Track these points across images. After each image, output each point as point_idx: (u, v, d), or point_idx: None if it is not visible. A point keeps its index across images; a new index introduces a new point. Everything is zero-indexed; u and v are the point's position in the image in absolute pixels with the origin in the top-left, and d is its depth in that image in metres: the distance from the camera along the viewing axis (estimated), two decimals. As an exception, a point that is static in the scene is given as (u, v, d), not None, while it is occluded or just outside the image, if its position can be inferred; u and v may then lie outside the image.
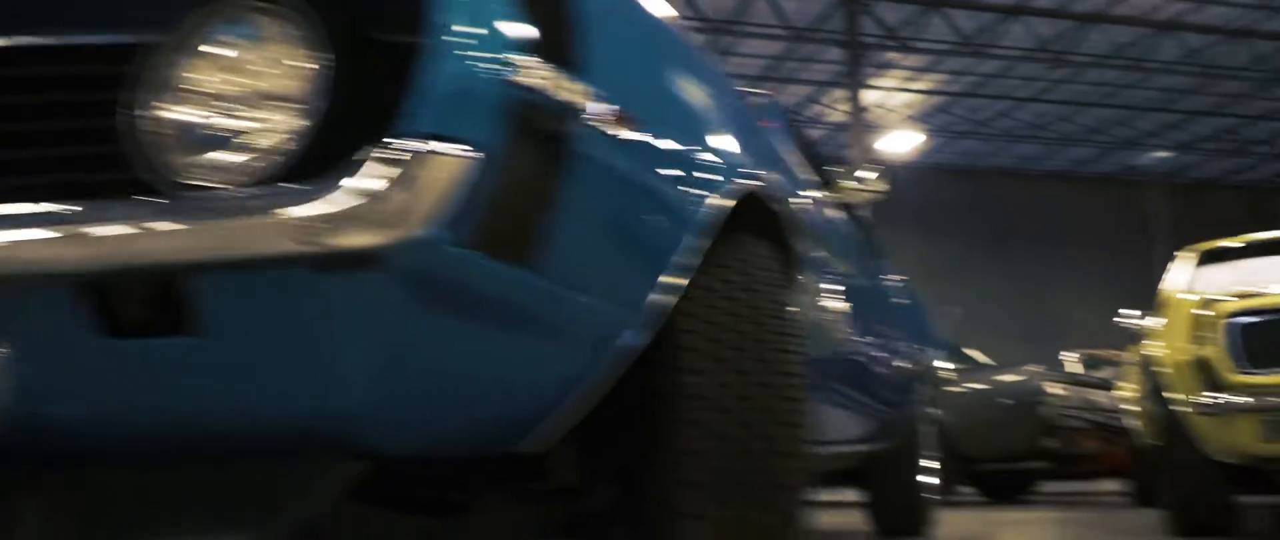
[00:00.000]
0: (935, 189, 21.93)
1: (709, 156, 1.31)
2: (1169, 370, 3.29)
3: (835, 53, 16.41)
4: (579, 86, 1.01)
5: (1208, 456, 3.16)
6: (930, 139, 20.30)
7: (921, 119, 19.68)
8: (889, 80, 18.00)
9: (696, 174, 1.26)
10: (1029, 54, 16.33)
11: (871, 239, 3.77)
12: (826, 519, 4.85)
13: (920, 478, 3.72)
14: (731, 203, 1.32)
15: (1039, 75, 17.55)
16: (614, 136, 1.07)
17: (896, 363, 3.39)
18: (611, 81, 1.08)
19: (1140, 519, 4.13)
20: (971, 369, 7.08)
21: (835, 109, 18.54)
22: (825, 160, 3.35)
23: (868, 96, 18.05)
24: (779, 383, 1.33)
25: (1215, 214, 22.13)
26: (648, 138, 1.15)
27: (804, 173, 2.50)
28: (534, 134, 0.96)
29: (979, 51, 16.21)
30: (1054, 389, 6.22)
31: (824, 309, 2.11)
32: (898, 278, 3.82)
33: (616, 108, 1.07)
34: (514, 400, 1.10)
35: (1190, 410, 3.04)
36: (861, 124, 17.41)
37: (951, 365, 7.41)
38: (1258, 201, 23.07)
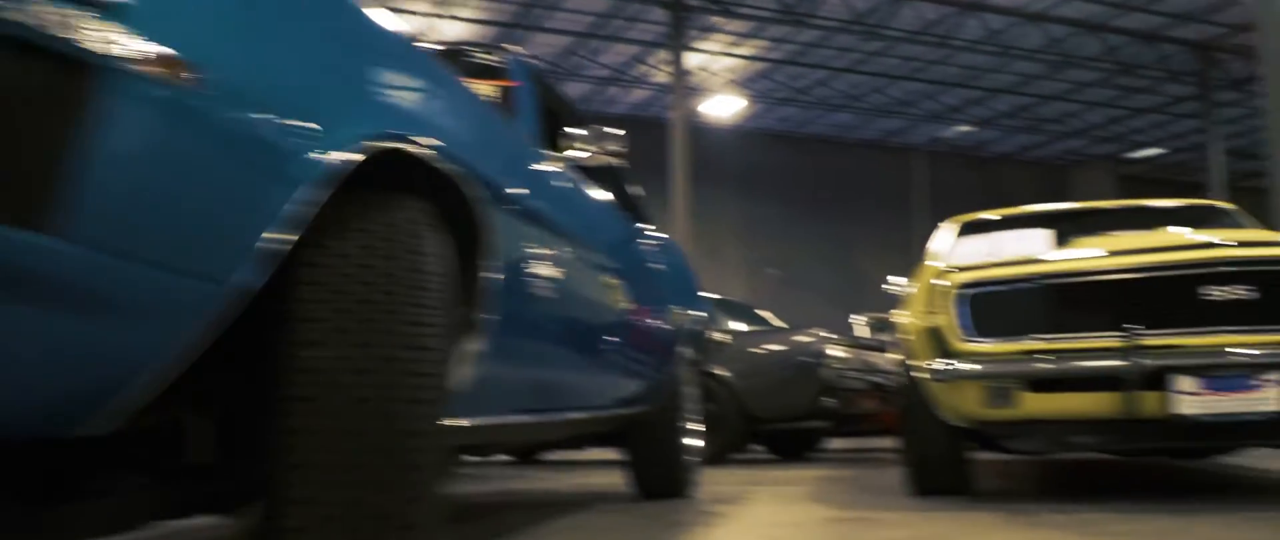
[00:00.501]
0: (756, 153, 22.49)
1: (321, 109, 1.18)
2: (910, 337, 3.42)
3: (660, 14, 16.48)
4: (110, 28, 0.88)
5: (942, 420, 3.31)
6: (752, 104, 20.74)
7: (744, 84, 20.06)
8: (713, 44, 18.22)
9: (297, 126, 1.13)
10: (845, 25, 16.85)
11: (631, 199, 3.74)
12: (591, 480, 4.87)
13: (681, 440, 3.75)
14: (355, 158, 1.22)
15: (854, 47, 18.16)
16: (166, 85, 0.94)
17: (653, 325, 3.39)
18: (174, 27, 0.96)
19: (895, 477, 4.31)
20: (762, 331, 7.26)
21: (660, 70, 18.63)
22: (586, 120, 3.29)
23: (691, 59, 18.21)
24: (407, 357, 1.24)
25: (1012, 187, 23.64)
26: (224, 87, 1.02)
27: (525, 132, 2.42)
28: (41, 80, 0.83)
29: (799, 21, 16.59)
30: (835, 352, 6.45)
31: (543, 273, 2.05)
32: (658, 237, 3.81)
33: (169, 52, 0.94)
34: (61, 379, 0.97)
35: (926, 376, 3.16)
36: (685, 86, 17.57)
37: (744, 327, 7.60)
38: (1049, 176, 24.78)
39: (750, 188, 22.21)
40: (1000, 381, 3.01)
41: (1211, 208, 4.69)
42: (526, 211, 1.98)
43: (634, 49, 18.39)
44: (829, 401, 6.35)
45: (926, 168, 23.47)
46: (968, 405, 3.11)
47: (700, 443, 4.06)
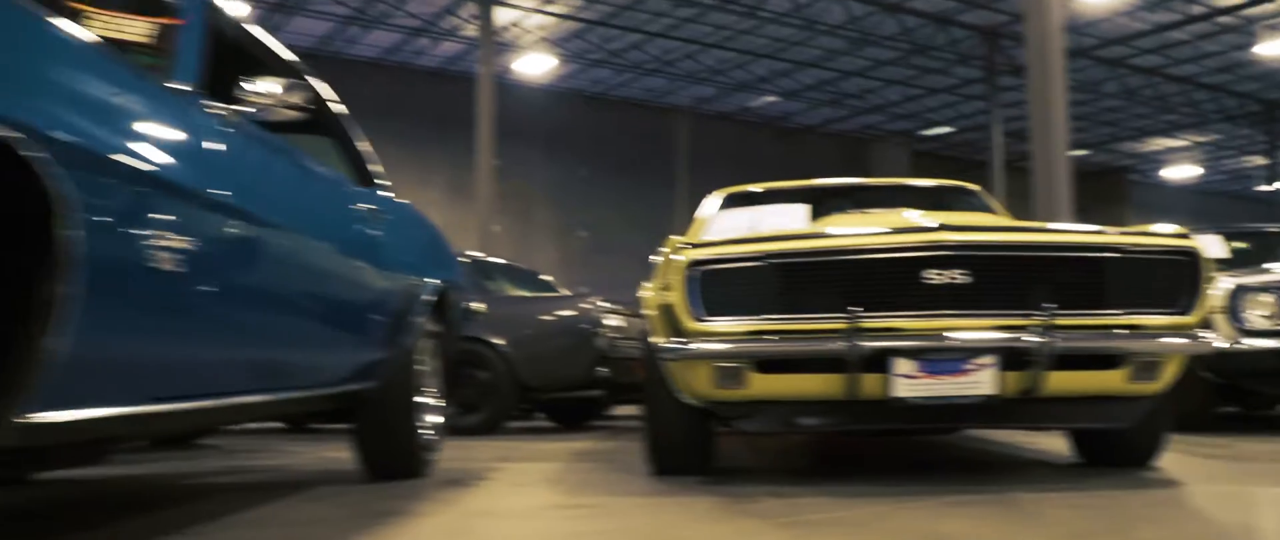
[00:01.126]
0: (570, 115, 22.26)
1: None
2: (651, 312, 3.30)
3: (468, -36, 15.95)
4: None
5: (679, 399, 3.21)
6: (564, 64, 20.47)
7: (556, 43, 19.74)
8: (524, 0, 17.80)
9: None
10: (656, -11, 16.82)
11: (355, 157, 3.45)
12: (319, 455, 4.58)
13: (414, 418, 3.51)
14: None
15: (667, 11, 18.15)
16: None
17: (367, 295, 3.13)
18: None
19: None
20: (540, 299, 7.09)
21: (470, 23, 18.07)
22: (294, 66, 2.97)
23: (502, 15, 17.75)
24: None
25: (816, 158, 24.42)
26: None
27: (183, 77, 2.10)
28: None
29: (610, -19, 16.43)
30: (612, 320, 6.34)
31: (171, 242, 1.76)
32: (388, 199, 3.53)
33: None
34: None
35: (663, 354, 3.05)
36: (493, 41, 17.10)
37: (527, 294, 7.40)
38: (850, 149, 25.74)
39: (563, 150, 21.99)
40: (728, 362, 2.92)
41: (959, 189, 4.82)
42: (141, 173, 1.68)
43: (445, 0, 17.75)
44: (603, 371, 6.24)
45: (735, 136, 23.89)
46: (700, 385, 3.02)
47: (439, 419, 3.83)
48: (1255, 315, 4.63)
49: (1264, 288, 4.65)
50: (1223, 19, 17.68)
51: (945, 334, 2.81)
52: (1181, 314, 2.86)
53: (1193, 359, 4.78)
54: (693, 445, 3.41)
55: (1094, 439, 3.49)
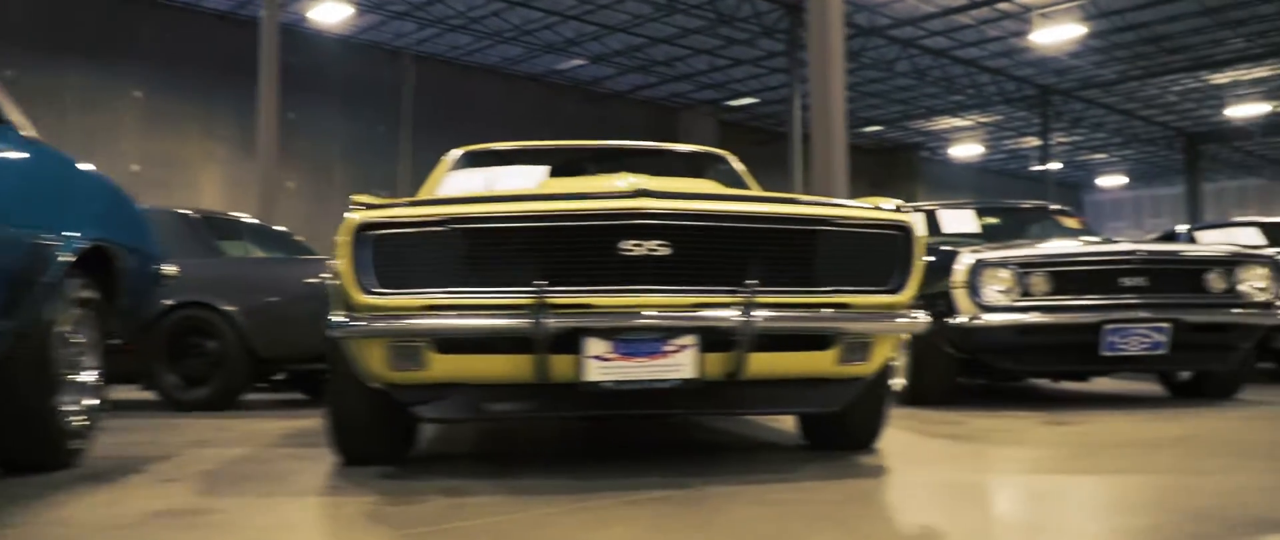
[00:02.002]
0: (369, 69, 21.15)
1: None
2: (332, 282, 2.88)
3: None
4: None
5: (360, 380, 2.82)
6: (362, 15, 19.40)
7: (352, -10, 18.66)
8: (314, -59, 16.68)
9: None
10: (457, -60, 16.08)
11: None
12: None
13: (53, 398, 2.97)
14: None
15: (468, -36, 17.44)
16: None
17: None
18: None
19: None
20: (277, 261, 6.50)
21: (253, -37, 16.80)
22: None
23: (289, -45, 16.59)
24: None
25: (626, 124, 24.28)
26: None
27: None
28: None
29: (407, -72, 15.57)
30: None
31: None
32: (32, 146, 2.97)
33: None
34: None
35: (330, 330, 2.64)
36: (279, -16, 15.93)
37: (280, 255, 6.77)
38: (659, 116, 25.74)
39: (363, 105, 20.91)
40: (401, 340, 2.55)
41: (710, 155, 4.62)
42: None
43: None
44: (346, 341, 5.75)
45: (543, 98, 23.41)
46: (375, 366, 2.64)
47: (95, 401, 3.29)
48: (993, 290, 4.65)
49: (1002, 263, 4.67)
50: (1002, 5, 18.56)
51: (640, 312, 2.53)
52: (892, 293, 2.68)
53: (938, 333, 4.83)
54: (379, 431, 3.04)
55: (816, 422, 3.33)
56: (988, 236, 6.11)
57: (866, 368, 2.74)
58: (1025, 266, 4.66)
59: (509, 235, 2.56)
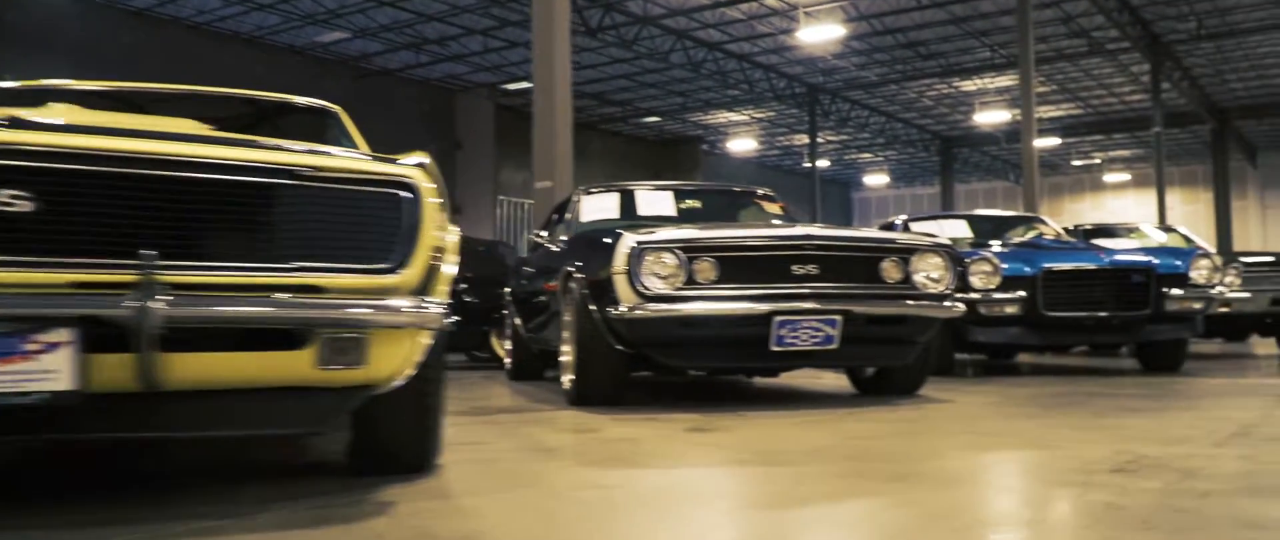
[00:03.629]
0: (109, 31, 19.16)
1: None
2: None
3: None
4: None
5: None
6: (91, -32, 17.51)
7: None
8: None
9: None
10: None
11: None
12: None
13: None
14: None
15: (208, -81, 15.98)
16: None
17: None
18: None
19: None
20: None
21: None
22: None
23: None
24: None
25: (401, 104, 23.18)
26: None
27: None
28: None
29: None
30: None
31: None
32: None
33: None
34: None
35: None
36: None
37: None
38: (435, 98, 24.75)
39: (98, 71, 18.86)
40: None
41: (323, 109, 4.04)
42: None
43: None
44: None
45: (307, 72, 21.96)
46: None
47: None
48: (655, 278, 4.28)
49: (666, 247, 4.30)
50: (770, 1, 18.81)
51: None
52: (388, 274, 2.07)
53: (602, 324, 4.37)
54: None
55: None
56: (684, 220, 5.79)
57: (369, 373, 2.09)
58: (690, 251, 4.31)
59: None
